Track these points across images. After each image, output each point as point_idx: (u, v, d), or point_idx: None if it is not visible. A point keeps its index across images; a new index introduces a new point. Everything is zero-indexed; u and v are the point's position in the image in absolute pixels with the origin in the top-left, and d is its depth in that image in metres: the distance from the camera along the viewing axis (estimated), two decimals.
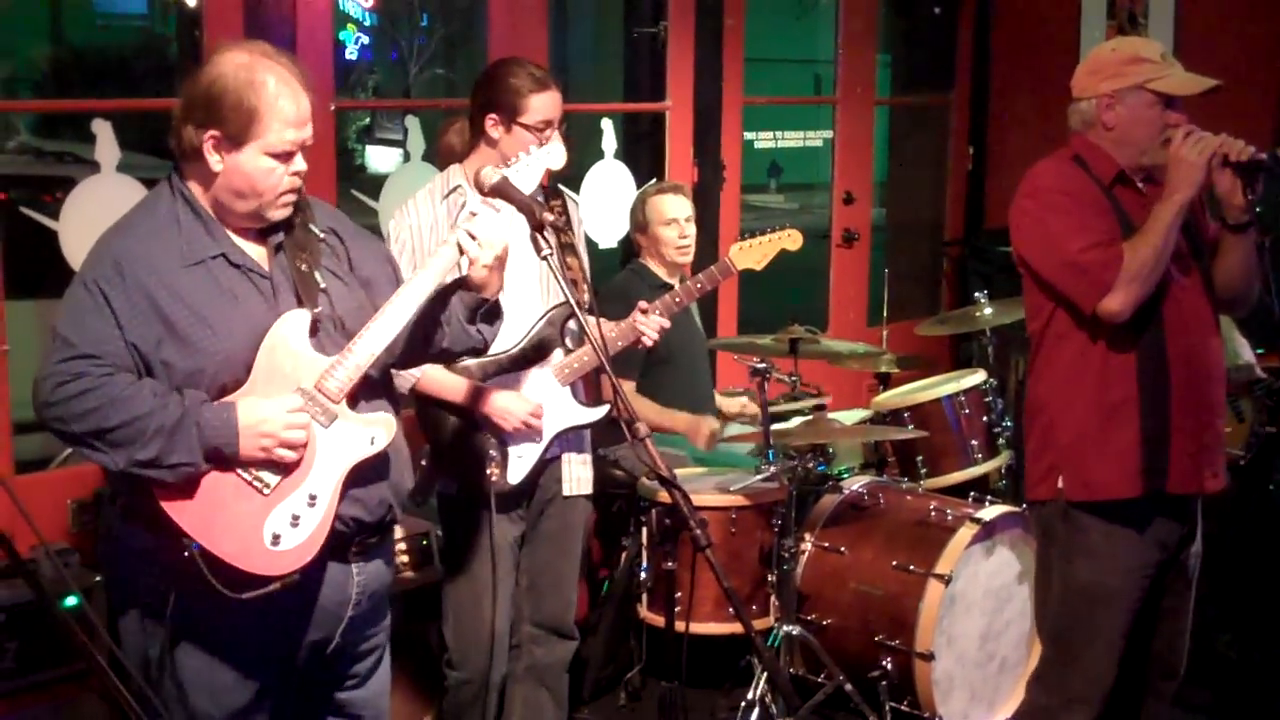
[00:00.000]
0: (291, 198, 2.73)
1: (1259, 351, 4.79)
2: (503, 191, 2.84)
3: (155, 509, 2.58)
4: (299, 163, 2.70)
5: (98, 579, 3.79)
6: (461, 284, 2.90)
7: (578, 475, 3.84)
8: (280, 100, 2.63)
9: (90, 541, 4.02)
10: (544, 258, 2.73)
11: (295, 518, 2.62)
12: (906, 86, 7.97)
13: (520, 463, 3.66)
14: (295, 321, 2.68)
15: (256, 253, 2.75)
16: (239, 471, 2.62)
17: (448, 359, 3.14)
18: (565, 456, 3.80)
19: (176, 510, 2.56)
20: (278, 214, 2.73)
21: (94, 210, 4.09)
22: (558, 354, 3.71)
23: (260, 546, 2.59)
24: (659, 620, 4.32)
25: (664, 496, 4.07)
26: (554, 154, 3.09)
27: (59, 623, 2.22)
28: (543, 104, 3.61)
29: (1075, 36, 6.80)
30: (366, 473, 2.74)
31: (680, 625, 4.15)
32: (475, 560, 3.72)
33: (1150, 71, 3.32)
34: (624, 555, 4.68)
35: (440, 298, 2.85)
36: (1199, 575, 3.56)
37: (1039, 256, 3.40)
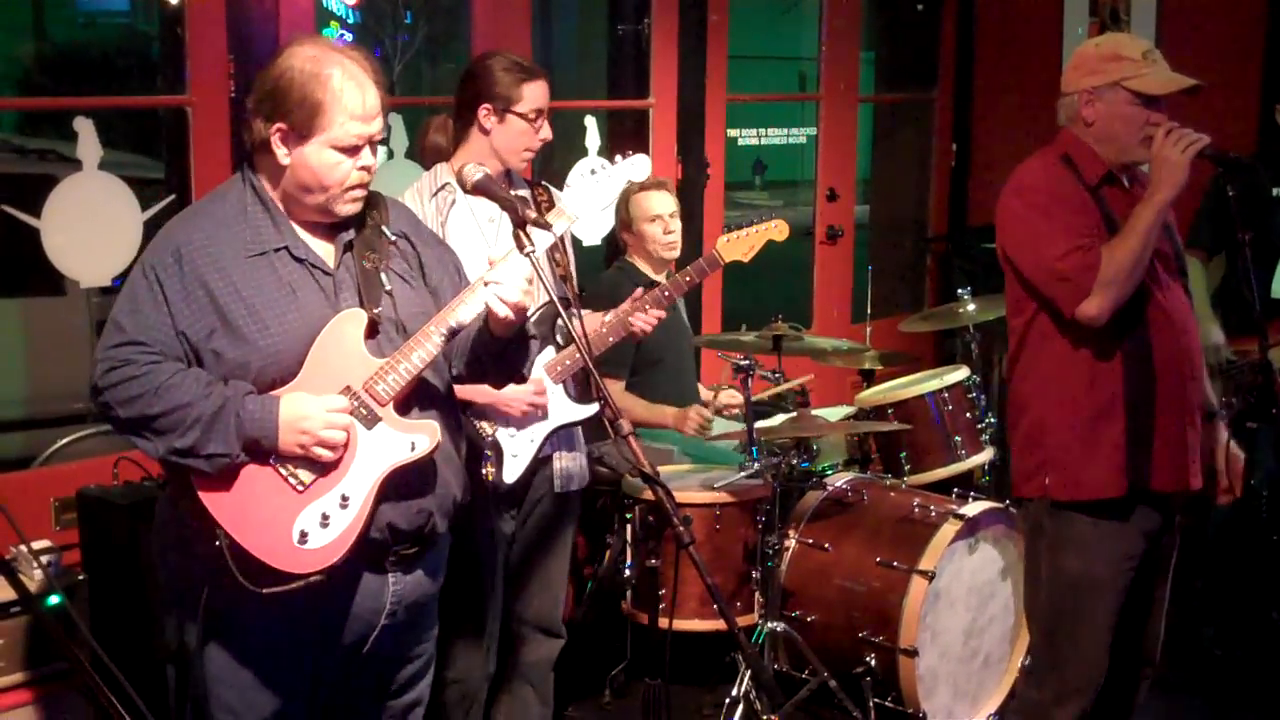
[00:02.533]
0: (360, 193, 2.71)
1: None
2: (485, 189, 2.83)
3: (195, 499, 2.58)
4: (366, 157, 2.68)
5: (80, 578, 3.79)
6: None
7: (569, 471, 3.84)
8: (345, 93, 2.62)
9: (72, 539, 4.02)
10: (527, 255, 2.72)
11: (325, 517, 2.60)
12: (890, 83, 7.98)
13: (515, 461, 3.66)
14: (351, 320, 2.67)
15: (324, 250, 2.73)
16: (276, 466, 2.61)
17: (496, 385, 3.12)
18: (556, 454, 3.80)
19: (212, 501, 2.56)
20: (346, 209, 2.71)
21: (76, 208, 4.08)
22: (549, 351, 3.70)
23: (288, 543, 2.58)
24: (643, 617, 4.33)
25: (648, 493, 4.07)
26: (638, 165, 3.07)
27: (42, 622, 2.22)
28: (534, 92, 3.64)
29: (1058, 34, 6.82)
30: (408, 480, 2.70)
31: (664, 622, 4.15)
32: (466, 560, 3.71)
33: (1129, 69, 3.32)
34: (608, 552, 4.69)
35: (480, 336, 2.80)
36: (1179, 568, 3.58)
37: (1022, 256, 3.40)
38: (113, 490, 3.94)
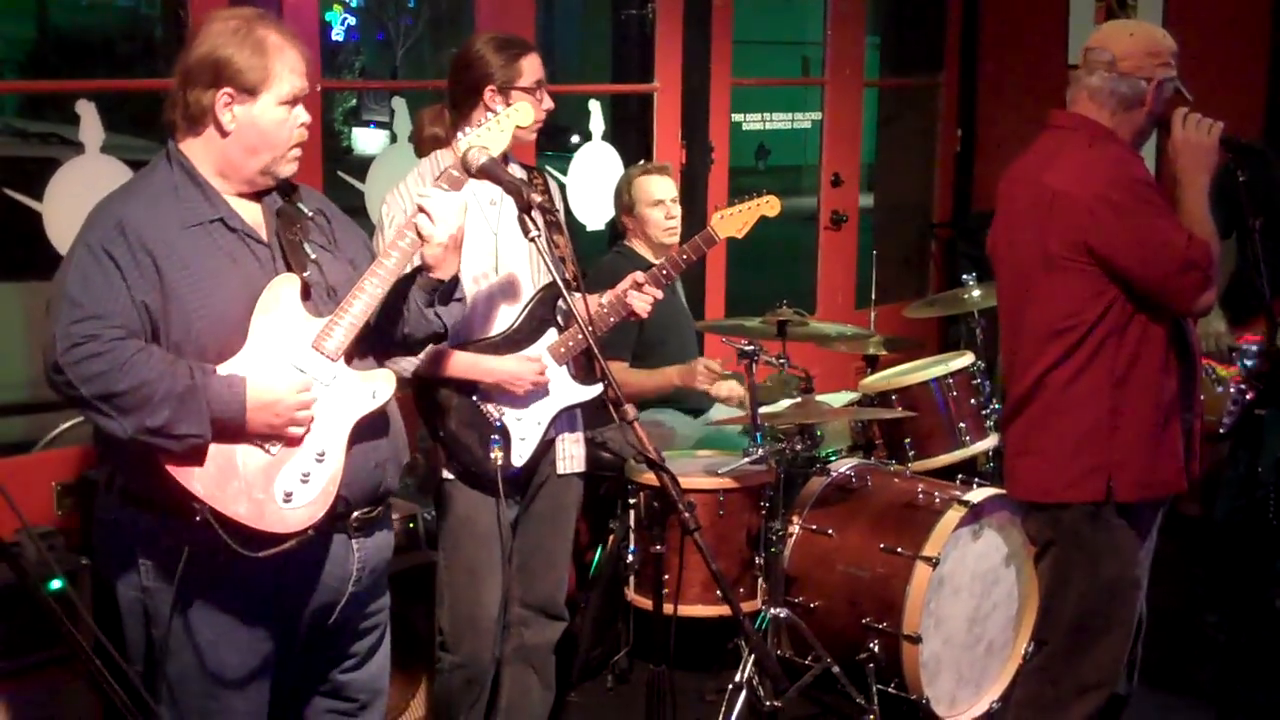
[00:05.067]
0: (299, 152, 2.78)
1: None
2: (490, 173, 2.84)
3: (157, 487, 2.58)
4: (303, 114, 2.76)
5: (83, 562, 3.77)
6: (417, 270, 2.92)
7: (571, 453, 3.84)
8: (285, 49, 2.71)
9: (74, 524, 4.01)
10: (532, 239, 2.72)
11: (305, 475, 2.65)
12: (895, 68, 7.94)
13: (523, 444, 3.66)
14: (286, 284, 2.72)
15: (255, 220, 2.78)
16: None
17: (409, 348, 3.12)
18: (560, 436, 3.80)
19: (186, 476, 2.56)
20: (288, 169, 2.79)
21: (78, 191, 4.06)
22: (552, 333, 3.70)
23: (273, 505, 2.61)
24: (647, 603, 4.33)
25: (652, 479, 4.06)
26: (521, 112, 3.09)
27: (43, 607, 2.21)
28: (531, 65, 3.66)
29: (1064, 19, 6.78)
30: (366, 433, 2.77)
31: (668, 608, 4.15)
32: (473, 544, 3.71)
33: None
34: (611, 538, 4.68)
35: (398, 287, 2.87)
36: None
37: (1133, 251, 3.23)
38: None
